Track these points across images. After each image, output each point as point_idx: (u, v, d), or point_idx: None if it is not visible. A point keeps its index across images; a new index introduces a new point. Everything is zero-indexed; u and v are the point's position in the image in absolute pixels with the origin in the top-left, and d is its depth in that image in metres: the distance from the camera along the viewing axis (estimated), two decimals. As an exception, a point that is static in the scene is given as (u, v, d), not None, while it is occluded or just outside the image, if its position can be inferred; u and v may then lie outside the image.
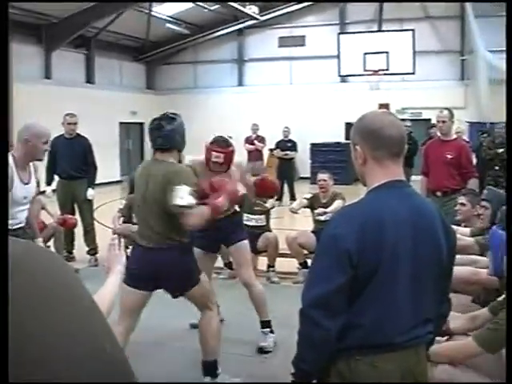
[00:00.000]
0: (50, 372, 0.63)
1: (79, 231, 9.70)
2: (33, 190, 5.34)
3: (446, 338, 4.02)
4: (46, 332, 0.64)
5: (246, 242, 6.08)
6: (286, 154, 16.86)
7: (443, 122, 8.11)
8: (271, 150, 20.55)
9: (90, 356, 0.67)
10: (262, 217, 8.64)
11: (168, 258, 4.61)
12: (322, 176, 8.75)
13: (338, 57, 21.13)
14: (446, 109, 8.24)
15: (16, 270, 0.67)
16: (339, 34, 22.49)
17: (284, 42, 25.58)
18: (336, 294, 2.41)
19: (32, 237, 5.63)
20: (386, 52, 19.93)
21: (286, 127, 17.29)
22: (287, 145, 16.99)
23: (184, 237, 4.69)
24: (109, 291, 2.87)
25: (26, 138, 5.08)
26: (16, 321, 0.63)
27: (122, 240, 8.85)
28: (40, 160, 5.35)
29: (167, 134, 4.66)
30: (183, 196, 4.45)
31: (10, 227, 5.06)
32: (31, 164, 5.33)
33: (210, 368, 5.02)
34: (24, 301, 0.65)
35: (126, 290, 4.48)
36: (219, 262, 8.81)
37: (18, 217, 5.25)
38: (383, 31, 21.95)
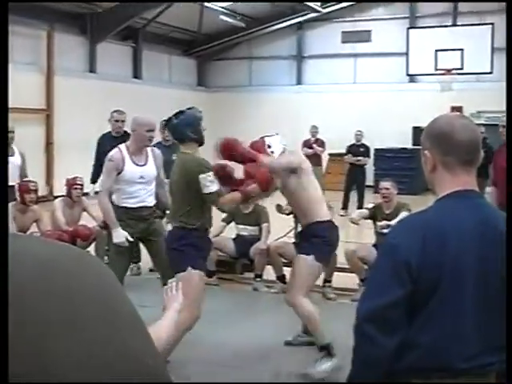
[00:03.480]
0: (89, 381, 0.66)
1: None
2: (151, 172, 6.48)
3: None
4: (81, 340, 0.67)
5: (308, 258, 5.75)
6: (359, 160, 16.50)
7: (503, 126, 7.97)
8: (331, 156, 20.46)
9: (130, 368, 0.70)
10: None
11: None
12: (384, 184, 8.65)
13: (406, 54, 21.05)
14: None
15: (61, 276, 0.70)
16: (409, 28, 22.39)
17: (348, 37, 25.45)
18: (392, 308, 2.37)
19: (161, 216, 7.09)
20: (461, 49, 19.73)
21: (359, 131, 16.99)
22: (360, 150, 16.64)
23: None
24: (166, 325, 2.93)
25: (132, 128, 6.39)
26: (56, 323, 0.66)
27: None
28: (147, 146, 6.47)
29: (174, 127, 5.68)
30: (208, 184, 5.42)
31: (128, 205, 6.33)
32: (149, 150, 6.52)
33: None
34: (63, 307, 0.68)
35: (199, 276, 5.46)
36: (272, 275, 8.85)
37: (137, 196, 6.38)
38: (458, 25, 21.74)
